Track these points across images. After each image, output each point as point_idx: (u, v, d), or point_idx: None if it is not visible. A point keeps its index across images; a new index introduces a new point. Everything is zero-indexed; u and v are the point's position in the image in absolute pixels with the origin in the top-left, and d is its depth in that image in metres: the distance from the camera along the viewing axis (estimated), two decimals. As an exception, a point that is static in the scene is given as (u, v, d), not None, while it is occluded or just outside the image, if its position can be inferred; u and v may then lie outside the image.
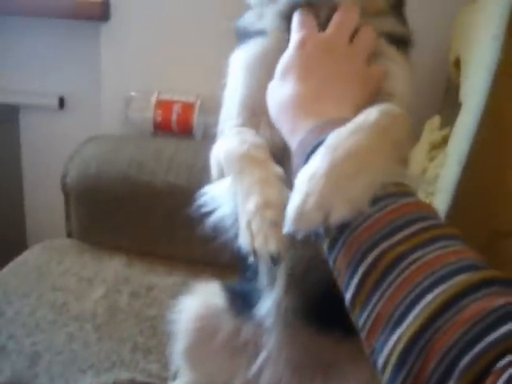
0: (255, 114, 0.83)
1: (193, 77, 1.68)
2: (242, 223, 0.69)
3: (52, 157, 1.85)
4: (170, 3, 1.67)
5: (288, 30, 0.81)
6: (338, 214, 0.58)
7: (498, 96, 0.99)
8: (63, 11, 1.71)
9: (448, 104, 1.31)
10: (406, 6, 0.90)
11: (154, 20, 1.69)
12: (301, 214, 0.60)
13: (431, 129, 1.32)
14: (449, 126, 1.22)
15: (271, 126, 0.79)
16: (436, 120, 1.33)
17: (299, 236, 0.61)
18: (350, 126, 0.64)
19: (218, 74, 1.60)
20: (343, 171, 0.60)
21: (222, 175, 0.80)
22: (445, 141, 1.22)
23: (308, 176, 0.61)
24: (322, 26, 0.80)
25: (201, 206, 0.80)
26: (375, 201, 0.59)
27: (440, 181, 1.12)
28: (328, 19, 0.80)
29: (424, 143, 1.29)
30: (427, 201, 1.13)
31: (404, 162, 0.72)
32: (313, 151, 0.64)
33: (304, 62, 0.76)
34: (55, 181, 1.59)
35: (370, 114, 0.66)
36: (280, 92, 0.77)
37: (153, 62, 1.71)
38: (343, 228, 0.59)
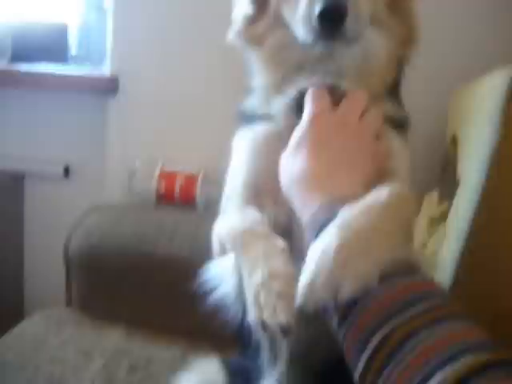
0: (258, 193, 0.85)
1: (196, 149, 1.73)
2: (250, 296, 0.69)
3: (55, 225, 1.87)
4: (175, 79, 1.73)
5: (295, 116, 0.85)
6: (348, 290, 0.60)
7: (496, 176, 1.01)
8: (73, 85, 1.78)
9: (446, 179, 1.34)
10: (404, 86, 0.94)
11: (159, 94, 1.75)
12: (311, 290, 0.62)
13: (430, 203, 1.34)
14: (447, 201, 1.24)
15: (274, 205, 0.82)
16: (434, 195, 1.35)
17: (309, 311, 0.62)
18: (361, 205, 0.67)
19: (221, 147, 1.65)
20: (353, 249, 0.63)
21: (223, 252, 0.81)
22: (443, 216, 1.24)
23: (318, 253, 0.63)
24: None
25: (203, 283, 0.82)
26: (384, 278, 0.61)
27: (440, 257, 1.13)
28: (335, 105, 0.84)
29: (423, 217, 1.31)
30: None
31: (409, 237, 0.75)
32: (323, 228, 0.66)
33: (315, 137, 0.80)
34: (56, 249, 1.59)
35: (381, 195, 0.69)
36: (292, 165, 0.79)
37: (157, 134, 1.76)
38: (353, 305, 0.60)
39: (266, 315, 0.66)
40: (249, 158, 0.88)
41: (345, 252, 0.62)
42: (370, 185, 0.72)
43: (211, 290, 0.81)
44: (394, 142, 0.86)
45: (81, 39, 1.95)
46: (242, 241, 0.76)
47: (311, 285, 0.62)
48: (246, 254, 0.74)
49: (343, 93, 0.84)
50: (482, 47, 1.52)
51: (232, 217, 0.83)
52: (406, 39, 0.89)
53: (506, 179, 1.00)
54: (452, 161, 1.32)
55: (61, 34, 1.93)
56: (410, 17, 0.90)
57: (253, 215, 0.81)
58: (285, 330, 0.64)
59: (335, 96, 0.84)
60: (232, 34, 0.94)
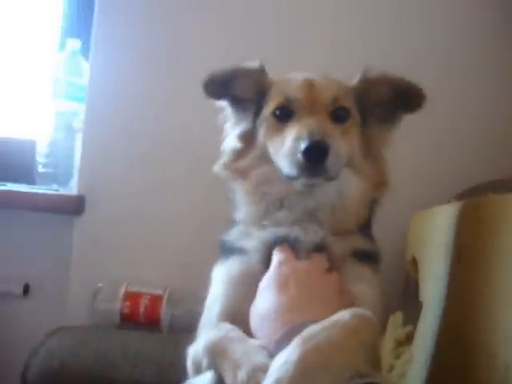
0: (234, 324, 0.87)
1: (161, 269, 1.74)
2: None
3: (12, 347, 1.79)
4: (142, 200, 1.77)
5: (267, 255, 0.91)
6: None
7: (453, 299, 1.06)
8: (39, 204, 1.78)
9: (408, 299, 1.38)
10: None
11: (125, 215, 1.77)
12: None
13: (395, 325, 1.36)
14: (411, 322, 1.27)
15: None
16: (399, 316, 1.38)
17: None
18: (323, 322, 0.72)
19: (187, 267, 1.66)
20: (312, 362, 0.66)
21: (199, 371, 0.82)
22: (409, 338, 1.26)
23: (280, 364, 0.66)
24: None
25: None
26: None
27: (408, 381, 1.15)
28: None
29: (389, 339, 1.33)
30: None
31: (375, 362, 0.76)
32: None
33: (281, 279, 0.86)
34: (14, 373, 1.51)
35: (343, 315, 0.74)
36: (259, 305, 0.85)
37: (122, 254, 1.76)
38: None
39: None
40: (223, 292, 0.92)
41: (305, 365, 0.65)
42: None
43: None
44: (363, 278, 0.90)
45: (48, 157, 1.98)
46: (221, 347, 0.78)
47: None
48: (227, 358, 0.75)
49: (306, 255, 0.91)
50: (438, 178, 1.65)
51: (206, 334, 0.85)
52: (378, 183, 0.98)
53: (462, 302, 1.05)
54: (413, 282, 1.36)
55: (29, 150, 1.96)
56: (381, 162, 1.01)
57: (226, 325, 0.85)
58: None
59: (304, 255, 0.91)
60: (218, 166, 1.01)
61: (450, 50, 1.72)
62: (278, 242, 0.92)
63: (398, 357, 1.26)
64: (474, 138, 1.69)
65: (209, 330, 0.87)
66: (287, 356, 0.67)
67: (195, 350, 0.86)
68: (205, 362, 0.80)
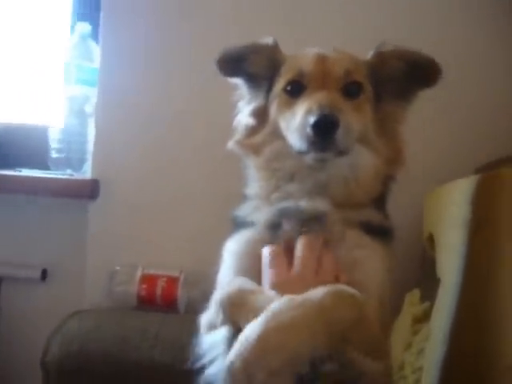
0: None
1: (176, 252, 1.74)
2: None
3: (32, 331, 1.81)
4: (156, 182, 1.78)
5: (274, 227, 0.91)
6: (259, 380, 0.65)
7: (471, 276, 1.05)
8: (54, 189, 1.79)
9: (426, 277, 1.37)
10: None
11: (140, 198, 1.78)
12: (229, 373, 0.67)
13: (411, 302, 1.36)
14: (429, 299, 1.27)
15: None
16: (416, 293, 1.37)
17: None
18: (294, 300, 0.72)
19: (201, 249, 1.66)
20: (270, 342, 0.67)
21: (213, 327, 0.84)
22: (426, 315, 1.25)
23: (244, 337, 0.68)
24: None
25: (196, 359, 0.84)
26: None
27: (426, 359, 1.14)
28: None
29: (406, 316, 1.32)
30: (415, 377, 1.15)
31: (365, 340, 0.75)
32: None
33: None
34: (34, 357, 1.54)
35: (317, 293, 0.74)
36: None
37: (138, 237, 1.77)
38: None
39: None
40: (233, 263, 0.92)
41: (261, 344, 0.66)
42: None
43: (205, 367, 0.84)
44: (368, 250, 0.89)
45: (61, 142, 1.98)
46: (238, 298, 0.80)
47: (230, 367, 0.67)
48: (247, 307, 0.77)
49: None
50: (456, 153, 1.62)
51: (219, 291, 0.86)
52: (392, 159, 0.96)
53: (479, 276, 1.04)
54: (430, 256, 1.35)
55: (42, 136, 1.96)
56: (396, 139, 0.99)
57: (238, 279, 0.86)
58: None
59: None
60: (232, 143, 1.02)
61: (468, 24, 1.68)
62: (282, 214, 0.91)
63: (415, 333, 1.26)
64: (493, 112, 1.64)
65: (221, 288, 0.88)
66: (249, 333, 0.68)
67: (209, 313, 0.87)
68: (220, 318, 0.81)
